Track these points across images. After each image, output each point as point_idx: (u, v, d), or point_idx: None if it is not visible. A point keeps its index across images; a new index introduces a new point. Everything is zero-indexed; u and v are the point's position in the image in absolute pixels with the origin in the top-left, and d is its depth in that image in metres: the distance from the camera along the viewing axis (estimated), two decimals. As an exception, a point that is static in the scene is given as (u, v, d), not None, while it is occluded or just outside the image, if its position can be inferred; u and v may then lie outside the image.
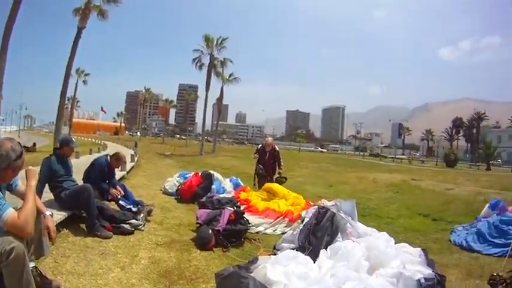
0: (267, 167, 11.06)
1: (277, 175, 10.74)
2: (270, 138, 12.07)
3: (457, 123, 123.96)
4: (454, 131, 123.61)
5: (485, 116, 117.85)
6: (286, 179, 10.48)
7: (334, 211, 5.46)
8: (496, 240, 6.05)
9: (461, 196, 11.96)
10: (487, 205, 7.72)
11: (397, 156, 78.62)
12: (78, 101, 76.56)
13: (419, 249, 4.49)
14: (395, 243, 4.70)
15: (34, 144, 29.24)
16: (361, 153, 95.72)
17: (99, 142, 47.38)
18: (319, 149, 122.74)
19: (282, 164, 11.08)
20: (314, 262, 4.16)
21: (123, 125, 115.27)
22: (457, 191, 13.33)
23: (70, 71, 27.96)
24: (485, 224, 6.63)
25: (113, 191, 6.74)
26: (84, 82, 59.78)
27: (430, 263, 4.19)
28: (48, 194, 5.59)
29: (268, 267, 3.69)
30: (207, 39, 43.59)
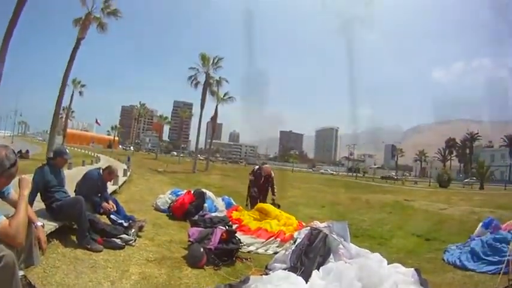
0: (261, 190, 11.10)
1: (271, 201, 10.71)
2: (267, 165, 12.12)
3: (450, 144, 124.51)
4: (447, 152, 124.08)
5: (478, 136, 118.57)
6: (279, 206, 10.44)
7: (327, 232, 5.46)
8: (490, 258, 6.05)
9: (455, 216, 11.99)
10: (481, 224, 7.74)
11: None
12: (73, 112, 76.26)
13: (412, 269, 4.49)
14: (388, 263, 4.68)
15: (27, 151, 29.18)
16: (354, 174, 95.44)
17: (92, 154, 47.23)
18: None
19: (275, 190, 11.11)
20: (306, 283, 4.14)
21: (116, 138, 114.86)
22: (450, 210, 13.37)
23: (67, 80, 28.07)
24: (479, 242, 6.64)
25: (105, 204, 6.65)
26: (80, 93, 59.60)
27: (423, 283, 4.19)
28: (39, 204, 5.53)
29: (259, 287, 3.67)
30: (204, 58, 44.02)
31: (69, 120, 72.32)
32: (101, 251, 5.20)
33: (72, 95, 58.38)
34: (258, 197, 10.93)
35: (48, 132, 30.72)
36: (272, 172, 11.46)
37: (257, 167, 11.92)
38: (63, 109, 53.46)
